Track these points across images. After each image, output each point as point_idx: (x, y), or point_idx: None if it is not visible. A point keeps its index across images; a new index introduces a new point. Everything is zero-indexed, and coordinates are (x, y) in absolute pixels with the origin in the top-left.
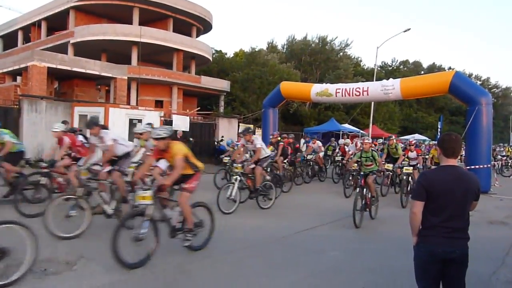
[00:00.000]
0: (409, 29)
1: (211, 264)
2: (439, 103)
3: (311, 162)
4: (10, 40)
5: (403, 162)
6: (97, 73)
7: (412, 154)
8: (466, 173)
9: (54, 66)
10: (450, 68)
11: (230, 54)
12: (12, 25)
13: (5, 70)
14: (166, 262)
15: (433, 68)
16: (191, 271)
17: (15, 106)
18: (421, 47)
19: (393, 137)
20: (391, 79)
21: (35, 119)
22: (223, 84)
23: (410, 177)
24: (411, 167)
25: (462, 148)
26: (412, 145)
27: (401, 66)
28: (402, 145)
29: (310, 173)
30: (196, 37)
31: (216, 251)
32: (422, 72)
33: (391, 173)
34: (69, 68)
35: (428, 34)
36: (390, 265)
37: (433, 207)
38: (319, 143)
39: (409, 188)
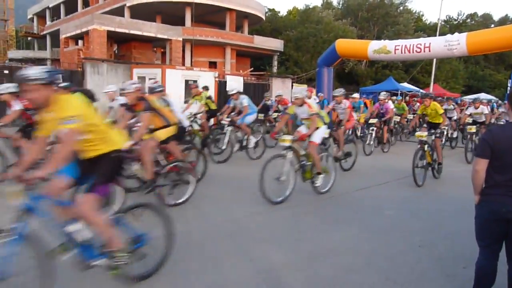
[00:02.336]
0: None
1: (266, 220)
2: (510, 59)
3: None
4: (71, 5)
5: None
6: (153, 35)
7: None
8: None
9: (113, 29)
10: None
11: (283, 12)
12: None
13: (68, 35)
14: (224, 216)
15: (506, 21)
16: (247, 226)
17: (79, 69)
18: None
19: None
20: (456, 33)
21: (98, 81)
22: (276, 44)
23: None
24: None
25: None
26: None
27: (468, 20)
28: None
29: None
30: None
31: (271, 206)
32: (492, 26)
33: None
34: (126, 31)
35: None
36: (448, 225)
37: (498, 165)
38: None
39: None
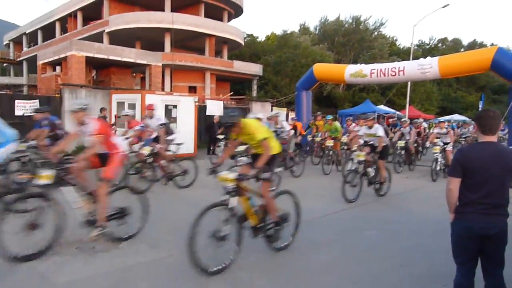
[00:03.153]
0: (448, 4)
1: (251, 243)
2: (481, 82)
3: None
4: (48, 31)
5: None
6: (132, 60)
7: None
8: (504, 149)
9: (91, 55)
10: (492, 44)
11: (262, 37)
12: (50, 17)
13: (46, 61)
14: None
15: (474, 45)
16: None
17: (57, 95)
18: (461, 24)
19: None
20: (428, 57)
21: None
22: (255, 68)
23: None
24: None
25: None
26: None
27: (440, 44)
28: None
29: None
30: (228, 21)
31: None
32: (462, 50)
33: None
34: (105, 57)
35: (468, 9)
36: (425, 244)
37: (470, 184)
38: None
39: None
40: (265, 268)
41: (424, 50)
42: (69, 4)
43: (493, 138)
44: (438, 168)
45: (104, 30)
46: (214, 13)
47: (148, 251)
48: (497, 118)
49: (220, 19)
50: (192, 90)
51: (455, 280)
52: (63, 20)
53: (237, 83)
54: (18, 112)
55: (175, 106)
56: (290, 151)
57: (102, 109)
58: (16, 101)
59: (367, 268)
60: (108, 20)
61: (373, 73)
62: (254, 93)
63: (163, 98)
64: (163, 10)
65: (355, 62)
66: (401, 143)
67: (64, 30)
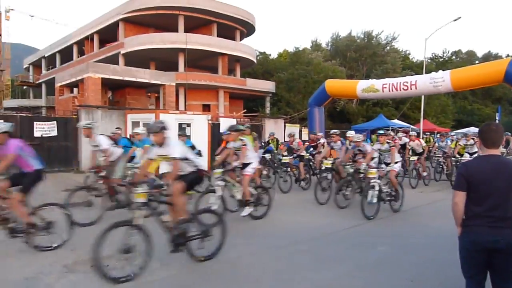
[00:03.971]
0: (460, 17)
1: (259, 259)
2: (497, 93)
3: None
4: (66, 54)
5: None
6: (147, 81)
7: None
8: (508, 161)
9: (107, 76)
10: (508, 55)
11: (274, 55)
12: (67, 40)
13: (63, 83)
14: (217, 257)
15: (489, 57)
16: (240, 265)
17: (74, 116)
18: (475, 36)
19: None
20: (440, 71)
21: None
22: (268, 85)
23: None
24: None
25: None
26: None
27: (453, 57)
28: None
29: None
30: (240, 40)
31: (265, 246)
32: (477, 62)
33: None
34: (121, 78)
35: (482, 21)
36: (439, 259)
37: (475, 197)
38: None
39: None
40: (271, 284)
41: (438, 63)
42: (86, 28)
43: (497, 151)
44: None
45: (119, 52)
46: (226, 33)
47: (159, 269)
48: (499, 132)
49: (233, 38)
50: (206, 108)
51: None
52: (80, 43)
53: (250, 101)
54: (37, 133)
55: (188, 125)
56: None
57: (117, 129)
58: (35, 122)
59: (377, 284)
60: (124, 42)
61: (385, 87)
62: (267, 110)
63: (177, 117)
64: (176, 31)
65: (367, 77)
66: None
67: (81, 52)
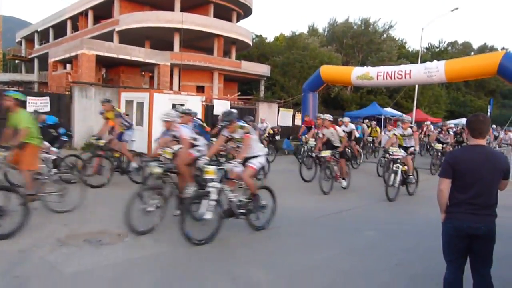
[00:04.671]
0: (457, 8)
1: (251, 241)
2: (490, 86)
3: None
4: (60, 29)
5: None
6: (141, 59)
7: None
8: (494, 152)
9: (101, 53)
10: (503, 48)
11: (270, 38)
12: (61, 15)
13: (57, 59)
14: None
15: (484, 49)
16: (232, 246)
17: (67, 93)
18: (471, 27)
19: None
20: (435, 61)
21: (85, 104)
22: (263, 69)
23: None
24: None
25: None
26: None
27: (449, 48)
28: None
29: None
30: (236, 22)
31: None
32: (472, 53)
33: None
34: (115, 56)
35: (479, 12)
36: (423, 245)
37: (460, 185)
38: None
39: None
40: (262, 263)
41: (433, 53)
42: (81, 3)
43: (483, 142)
44: None
45: (114, 29)
46: (223, 14)
47: (152, 245)
48: (487, 122)
49: (229, 19)
50: (200, 89)
51: (445, 277)
52: (74, 19)
53: (245, 84)
54: (29, 108)
55: (182, 105)
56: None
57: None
58: (28, 97)
59: (363, 267)
60: (119, 19)
61: (380, 75)
62: (262, 94)
63: (171, 97)
64: (172, 10)
65: (363, 64)
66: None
67: (75, 28)
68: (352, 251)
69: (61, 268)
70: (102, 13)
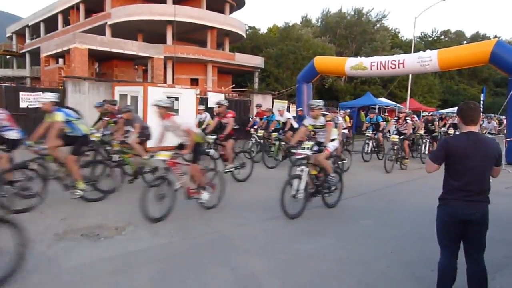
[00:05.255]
0: None
1: (248, 231)
2: (483, 74)
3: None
4: (51, 23)
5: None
6: (134, 53)
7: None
8: (485, 138)
9: (94, 47)
10: (495, 36)
11: (263, 30)
12: (52, 9)
13: (49, 53)
14: (207, 228)
15: (477, 38)
16: (229, 237)
17: (60, 87)
18: (464, 15)
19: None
20: (428, 50)
21: (79, 99)
22: (257, 61)
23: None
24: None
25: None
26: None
27: (442, 37)
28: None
29: None
30: (229, 14)
31: (253, 219)
32: (465, 42)
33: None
34: (108, 49)
35: (471, 1)
36: (418, 233)
37: (453, 172)
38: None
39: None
40: (260, 253)
41: (427, 43)
42: None
43: (475, 128)
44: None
45: (106, 23)
46: (215, 5)
47: (149, 238)
48: (478, 110)
49: (222, 11)
50: (194, 82)
51: (439, 262)
52: (66, 13)
53: (239, 76)
54: (22, 104)
55: (177, 99)
56: None
57: (104, 101)
58: (21, 93)
59: (358, 255)
60: (110, 12)
61: (373, 65)
62: (256, 86)
63: (165, 90)
64: (165, 2)
65: (357, 54)
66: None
67: (66, 22)
68: (347, 239)
69: (60, 262)
70: (93, 6)
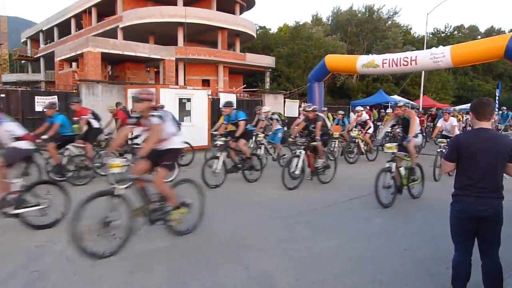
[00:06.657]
0: None
1: (261, 229)
2: (498, 69)
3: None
4: (64, 28)
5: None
6: (146, 55)
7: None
8: (498, 135)
9: (107, 51)
10: (510, 31)
11: (274, 29)
12: (65, 14)
13: (63, 57)
14: (220, 227)
15: (491, 32)
16: (243, 235)
17: (74, 91)
18: (478, 10)
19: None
20: (440, 46)
21: (93, 102)
22: (268, 60)
23: None
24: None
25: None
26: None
27: (455, 32)
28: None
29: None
30: (240, 14)
31: (266, 217)
32: (479, 37)
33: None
34: (120, 52)
35: None
36: (431, 231)
37: (465, 168)
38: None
39: None
40: (273, 252)
41: (439, 39)
42: (84, 1)
43: (488, 125)
44: None
45: (118, 26)
46: (226, 6)
47: (165, 237)
48: (491, 105)
49: (232, 12)
50: (206, 83)
51: (453, 259)
52: (78, 17)
53: (250, 76)
54: (38, 108)
55: (189, 100)
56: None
57: (117, 104)
58: (36, 97)
59: (372, 253)
60: (122, 15)
61: (385, 63)
62: (267, 85)
63: (177, 92)
64: (175, 4)
65: (368, 52)
66: None
67: (79, 26)
68: (361, 237)
69: (78, 261)
70: (105, 10)
